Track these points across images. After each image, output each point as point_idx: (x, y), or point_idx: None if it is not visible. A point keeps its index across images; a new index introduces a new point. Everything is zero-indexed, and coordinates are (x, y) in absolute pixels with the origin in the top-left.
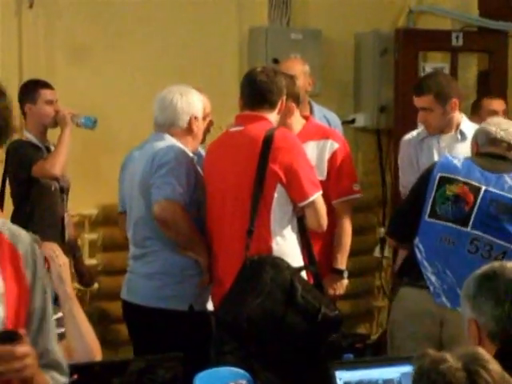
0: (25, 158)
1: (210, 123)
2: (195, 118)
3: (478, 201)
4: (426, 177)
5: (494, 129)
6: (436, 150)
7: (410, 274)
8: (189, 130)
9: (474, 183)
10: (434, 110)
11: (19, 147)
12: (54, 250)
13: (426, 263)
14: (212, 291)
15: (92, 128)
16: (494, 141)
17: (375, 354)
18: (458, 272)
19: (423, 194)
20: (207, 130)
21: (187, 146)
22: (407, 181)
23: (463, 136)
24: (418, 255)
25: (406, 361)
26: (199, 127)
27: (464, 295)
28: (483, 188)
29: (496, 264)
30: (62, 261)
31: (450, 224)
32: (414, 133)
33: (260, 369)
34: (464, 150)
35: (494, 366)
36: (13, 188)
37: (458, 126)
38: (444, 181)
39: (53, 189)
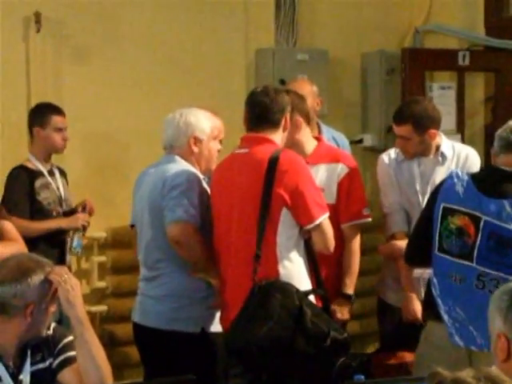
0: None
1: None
2: (195, 138)
3: (480, 233)
4: (431, 205)
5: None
6: (417, 173)
7: (432, 307)
8: (189, 151)
9: (474, 213)
10: (412, 138)
11: (18, 177)
12: (62, 273)
13: (439, 300)
14: (220, 315)
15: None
16: (508, 147)
17: None
18: (467, 310)
19: (431, 222)
20: None
21: (195, 168)
22: (389, 202)
23: (444, 158)
24: (433, 291)
25: (416, 381)
26: (202, 149)
27: (495, 307)
28: (483, 219)
29: None
30: (70, 285)
31: (456, 260)
32: (392, 153)
33: None
34: (444, 171)
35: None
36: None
37: (437, 148)
38: (447, 212)
39: (54, 214)
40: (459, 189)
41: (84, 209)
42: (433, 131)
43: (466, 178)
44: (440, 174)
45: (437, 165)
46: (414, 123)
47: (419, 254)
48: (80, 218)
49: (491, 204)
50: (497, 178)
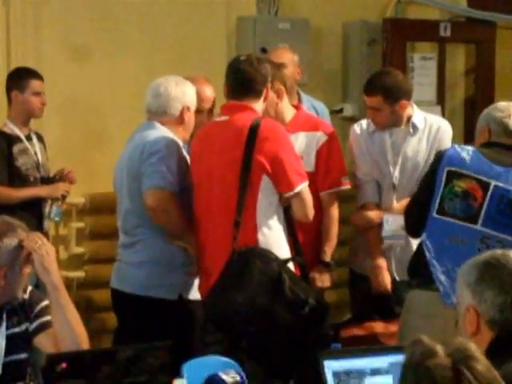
0: (3, 152)
1: (211, 113)
2: (187, 108)
3: (488, 197)
4: (433, 170)
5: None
6: (388, 144)
7: (420, 274)
8: (180, 120)
9: (482, 178)
10: (383, 110)
11: None
12: (37, 240)
13: (434, 262)
14: (199, 282)
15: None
16: (510, 133)
17: None
18: None
19: (431, 188)
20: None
21: (178, 136)
22: (362, 172)
23: (415, 128)
24: (427, 254)
25: (394, 350)
26: (190, 118)
27: (463, 282)
28: (492, 183)
29: (498, 252)
30: (45, 250)
31: (458, 221)
32: (364, 124)
33: (246, 359)
34: (416, 142)
35: (483, 365)
36: None
37: (409, 119)
38: (452, 175)
39: (32, 179)
40: (465, 156)
41: (62, 177)
42: (403, 102)
43: (470, 148)
44: (411, 145)
45: (408, 135)
46: (384, 94)
47: (417, 224)
48: (60, 188)
49: (501, 171)
50: (502, 150)
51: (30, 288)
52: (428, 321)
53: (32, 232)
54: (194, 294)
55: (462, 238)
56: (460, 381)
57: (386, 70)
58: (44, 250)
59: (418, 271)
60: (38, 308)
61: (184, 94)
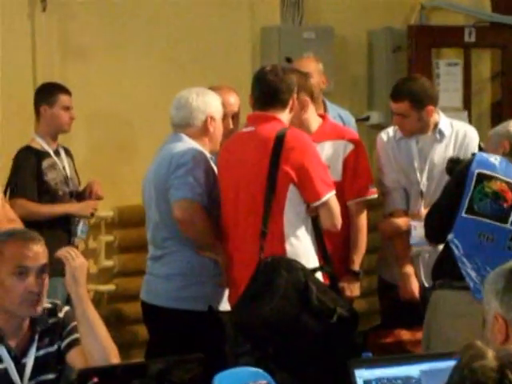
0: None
1: (236, 120)
2: (211, 118)
3: None
4: (462, 173)
5: None
6: (415, 151)
7: (445, 274)
8: (205, 130)
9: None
10: (410, 116)
11: (25, 158)
12: (70, 251)
13: (464, 259)
14: (228, 292)
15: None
16: None
17: None
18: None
19: (460, 190)
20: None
21: (204, 147)
22: (389, 180)
23: (442, 135)
24: (456, 251)
25: (426, 358)
26: (216, 128)
27: (490, 290)
28: None
29: None
30: (78, 263)
31: (488, 220)
32: (391, 131)
33: (276, 370)
34: (443, 149)
35: None
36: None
37: (435, 125)
38: (482, 177)
39: (60, 193)
40: (494, 161)
41: (91, 194)
42: (430, 108)
43: (497, 155)
44: (438, 152)
45: (435, 142)
46: (411, 100)
47: (440, 229)
48: (90, 206)
49: None
50: None
51: (66, 308)
52: (454, 320)
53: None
54: (224, 305)
55: (492, 236)
56: (503, 383)
57: (412, 76)
58: (77, 262)
59: (442, 272)
60: (71, 325)
61: (206, 104)
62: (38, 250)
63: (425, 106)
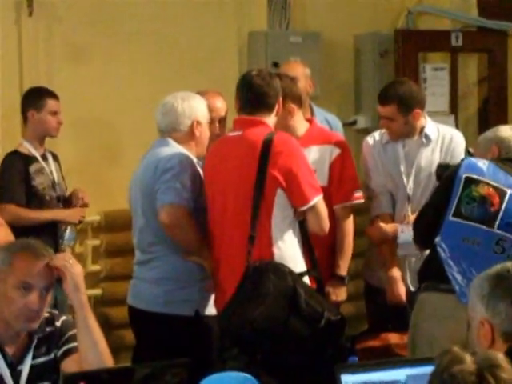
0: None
1: (223, 124)
2: (197, 122)
3: (505, 203)
4: (450, 177)
5: None
6: (401, 155)
7: (431, 277)
8: (191, 135)
9: (499, 186)
10: (397, 119)
11: (12, 163)
12: (67, 259)
13: (450, 262)
14: (215, 297)
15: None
16: None
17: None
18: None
19: (448, 194)
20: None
21: (191, 152)
22: (376, 184)
23: (428, 139)
24: (442, 254)
25: (412, 363)
26: (202, 132)
27: (476, 295)
28: (509, 192)
29: (509, 264)
30: (77, 269)
31: (475, 224)
32: (377, 135)
33: (263, 374)
34: (429, 153)
35: (509, 375)
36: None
37: (422, 129)
38: (470, 181)
39: (48, 198)
40: (482, 166)
41: (78, 201)
42: (417, 111)
43: (485, 160)
44: (424, 156)
45: (421, 146)
46: (398, 103)
47: (428, 233)
48: (79, 214)
49: None
50: None
51: (63, 317)
52: (439, 322)
53: (59, 253)
54: (211, 310)
55: (478, 240)
56: None
57: (399, 79)
58: (76, 269)
59: (428, 274)
60: (68, 335)
61: (192, 108)
62: (46, 270)
63: (412, 109)
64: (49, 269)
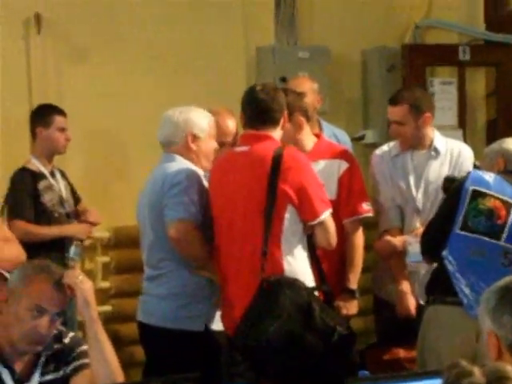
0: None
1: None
2: (193, 135)
3: (511, 216)
4: (457, 190)
5: None
6: (410, 167)
7: (439, 290)
8: (186, 148)
9: (506, 199)
10: (407, 123)
11: (22, 180)
12: (77, 275)
13: (458, 275)
14: (221, 312)
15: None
16: None
17: None
18: (492, 284)
19: (455, 207)
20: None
21: (197, 166)
22: (385, 197)
23: (437, 152)
24: (450, 267)
25: (421, 375)
26: (202, 146)
27: (484, 308)
28: None
29: None
30: (88, 286)
31: (481, 237)
32: (386, 148)
33: None
34: (438, 166)
35: None
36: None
37: (431, 142)
38: (476, 194)
39: (56, 215)
40: (488, 179)
41: (86, 218)
42: (428, 116)
43: (491, 173)
44: (433, 169)
45: (430, 159)
46: (410, 105)
47: (436, 246)
48: (87, 230)
49: None
50: None
51: (71, 334)
52: (448, 334)
53: (69, 270)
54: (220, 325)
55: (486, 253)
56: None
57: (410, 85)
58: (87, 286)
59: (436, 288)
60: (77, 351)
61: (187, 121)
62: (61, 297)
63: (423, 112)
64: (63, 295)
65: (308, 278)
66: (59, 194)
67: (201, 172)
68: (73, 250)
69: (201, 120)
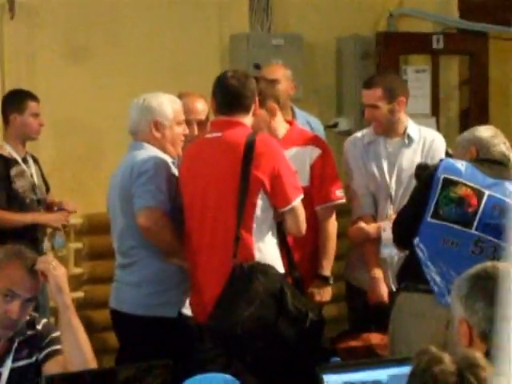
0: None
1: (203, 126)
2: (157, 122)
3: (482, 204)
4: (429, 178)
5: (495, 141)
6: (384, 155)
7: (410, 277)
8: (151, 136)
9: (477, 187)
10: (381, 106)
11: None
12: (50, 261)
13: (429, 263)
14: (190, 298)
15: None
16: (493, 150)
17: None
18: (462, 273)
19: (427, 194)
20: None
21: (167, 152)
22: (358, 185)
23: (410, 140)
24: (421, 255)
25: (393, 363)
26: (168, 133)
27: (455, 295)
28: (486, 192)
29: (488, 264)
30: (60, 271)
31: (453, 225)
32: (359, 135)
33: (243, 376)
34: (411, 154)
35: (489, 373)
36: None
37: (404, 130)
38: (448, 183)
39: (28, 201)
40: (460, 167)
41: (61, 209)
42: (402, 99)
43: (463, 161)
44: (406, 156)
45: (403, 146)
46: (384, 88)
47: (408, 234)
48: (62, 218)
49: (493, 182)
50: (491, 165)
51: (44, 320)
52: (419, 321)
53: (42, 256)
54: (190, 312)
55: (457, 241)
56: None
57: (386, 71)
58: (59, 271)
59: (408, 275)
60: (50, 338)
61: (149, 109)
62: (33, 282)
63: (397, 95)
64: (36, 280)
65: (278, 265)
66: (31, 180)
67: (169, 159)
68: (57, 241)
69: (164, 107)
